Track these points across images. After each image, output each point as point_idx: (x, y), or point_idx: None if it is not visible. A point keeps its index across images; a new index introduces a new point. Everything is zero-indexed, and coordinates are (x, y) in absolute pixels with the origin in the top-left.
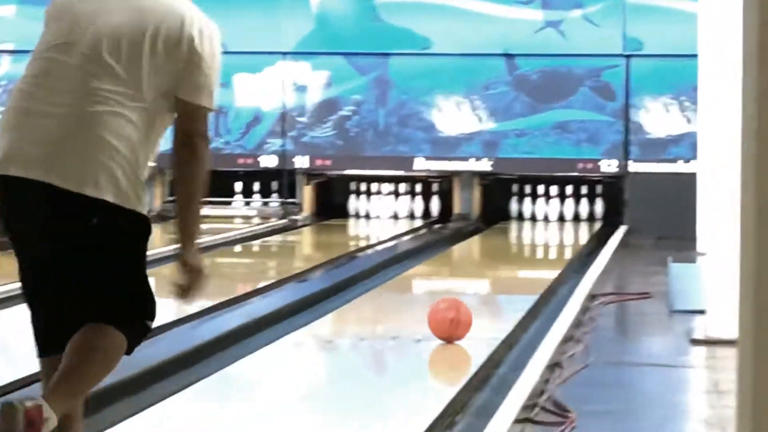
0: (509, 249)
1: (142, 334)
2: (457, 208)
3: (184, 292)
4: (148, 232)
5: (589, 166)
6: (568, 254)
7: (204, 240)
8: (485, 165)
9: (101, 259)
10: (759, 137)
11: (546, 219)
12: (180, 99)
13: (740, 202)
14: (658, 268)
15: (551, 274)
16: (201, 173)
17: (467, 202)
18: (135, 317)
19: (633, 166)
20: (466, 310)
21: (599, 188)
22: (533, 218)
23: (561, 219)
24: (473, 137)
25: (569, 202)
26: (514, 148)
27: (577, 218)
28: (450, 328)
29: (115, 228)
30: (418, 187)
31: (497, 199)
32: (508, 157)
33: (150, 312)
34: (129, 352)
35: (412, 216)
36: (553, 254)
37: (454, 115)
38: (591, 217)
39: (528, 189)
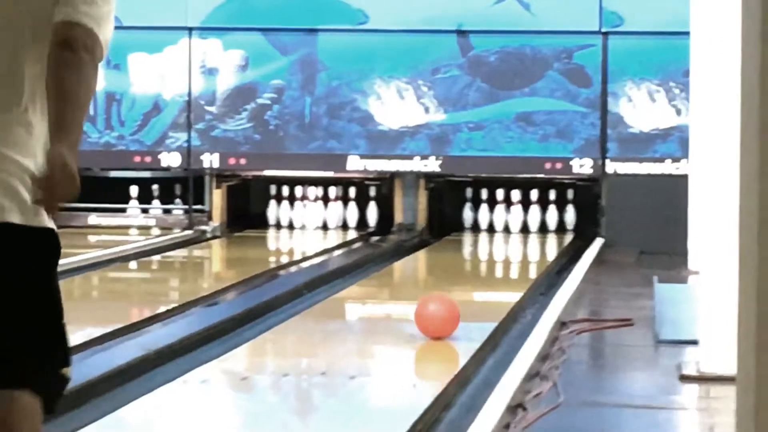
0: (462, 266)
1: (61, 389)
2: (398, 216)
3: (42, 193)
4: (59, 248)
5: (559, 166)
6: (533, 273)
7: (92, 255)
8: (433, 165)
9: (6, 297)
10: (763, 132)
11: (506, 230)
12: (59, 19)
13: (739, 211)
14: (641, 289)
15: (513, 297)
16: (85, 83)
17: (411, 209)
18: (49, 371)
19: (611, 167)
20: (454, 303)
21: (570, 193)
22: (491, 229)
23: (525, 230)
24: (419, 131)
25: (534, 210)
26: (468, 145)
27: (543, 229)
28: (439, 324)
29: (22, 254)
30: (352, 192)
31: (447, 205)
32: (460, 155)
33: (66, 357)
34: (51, 410)
35: (344, 226)
36: (514, 273)
37: (396, 105)
38: (561, 228)
39: (485, 194)
